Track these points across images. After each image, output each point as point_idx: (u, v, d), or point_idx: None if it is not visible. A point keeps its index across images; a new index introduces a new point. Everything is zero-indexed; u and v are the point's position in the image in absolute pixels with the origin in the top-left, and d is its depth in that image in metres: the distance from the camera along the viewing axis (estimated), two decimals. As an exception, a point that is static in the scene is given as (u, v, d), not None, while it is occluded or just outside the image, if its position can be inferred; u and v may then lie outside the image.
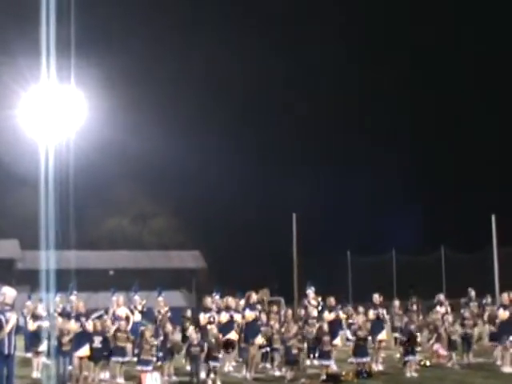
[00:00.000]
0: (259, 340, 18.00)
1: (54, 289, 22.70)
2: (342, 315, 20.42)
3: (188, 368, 17.50)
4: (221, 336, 17.30)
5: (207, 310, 18.87)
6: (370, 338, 18.23)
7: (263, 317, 18.93)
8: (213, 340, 16.81)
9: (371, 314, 19.46)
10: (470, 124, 63.51)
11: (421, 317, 21.95)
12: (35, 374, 18.03)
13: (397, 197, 65.29)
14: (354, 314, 20.86)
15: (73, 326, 15.90)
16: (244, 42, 64.93)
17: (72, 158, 34.60)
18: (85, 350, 15.63)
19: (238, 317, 18.49)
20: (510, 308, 18.54)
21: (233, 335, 18.43)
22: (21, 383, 16.16)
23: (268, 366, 18.94)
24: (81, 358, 15.59)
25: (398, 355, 19.48)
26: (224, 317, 18.52)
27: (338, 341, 19.57)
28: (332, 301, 20.06)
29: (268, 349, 18.64)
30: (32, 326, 18.39)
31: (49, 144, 30.11)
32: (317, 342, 17.97)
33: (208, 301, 19.18)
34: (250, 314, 18.12)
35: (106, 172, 61.74)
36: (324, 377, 16.69)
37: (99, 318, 17.58)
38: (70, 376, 16.15)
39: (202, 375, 17.10)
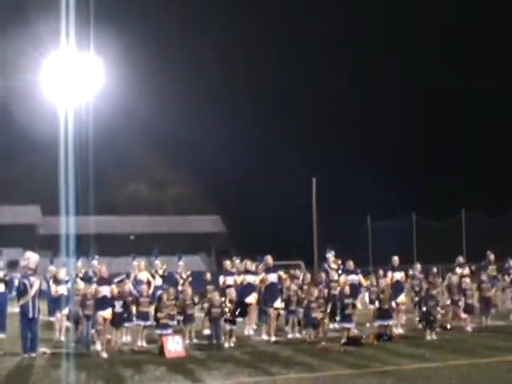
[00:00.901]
0: (278, 303, 18.06)
1: (75, 254, 22.88)
2: (362, 279, 20.40)
3: (206, 332, 17.64)
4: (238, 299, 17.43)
5: (227, 273, 19.01)
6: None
7: (282, 280, 18.96)
8: (229, 304, 16.96)
9: (390, 276, 19.48)
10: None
11: (440, 279, 21.86)
12: (58, 337, 18.27)
13: (417, 161, 65.09)
14: (373, 277, 20.81)
15: (95, 290, 16.00)
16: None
17: (91, 124, 34.74)
18: (107, 313, 15.76)
19: (257, 280, 18.59)
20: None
21: (252, 299, 18.56)
22: (44, 346, 16.36)
23: (287, 329, 19.03)
24: (103, 321, 15.72)
25: (418, 318, 19.50)
26: (243, 280, 18.65)
27: (357, 303, 19.61)
28: (351, 264, 20.07)
29: (285, 312, 18.67)
30: (54, 290, 18.53)
31: (68, 109, 30.16)
32: (338, 305, 18.06)
33: (227, 264, 19.31)
34: (269, 277, 18.15)
35: (125, 138, 61.93)
36: (345, 340, 16.74)
37: (121, 282, 17.72)
38: (92, 339, 16.34)
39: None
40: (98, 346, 15.70)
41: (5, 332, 19.55)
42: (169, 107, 60.59)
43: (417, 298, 20.06)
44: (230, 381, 12.01)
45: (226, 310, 16.84)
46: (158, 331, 16.08)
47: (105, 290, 15.95)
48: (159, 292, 17.81)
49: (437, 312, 17.99)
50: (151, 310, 17.18)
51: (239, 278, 18.90)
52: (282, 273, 19.39)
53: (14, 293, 16.97)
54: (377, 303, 18.17)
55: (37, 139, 52.63)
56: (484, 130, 64.87)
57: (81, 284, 18.14)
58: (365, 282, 20.41)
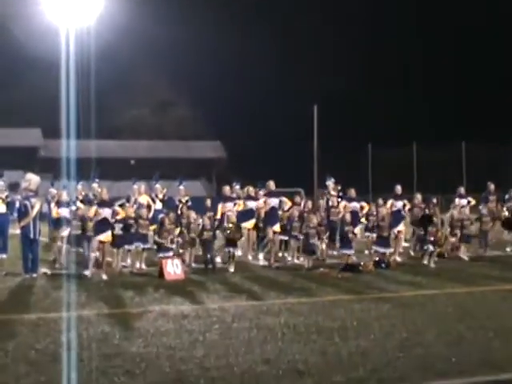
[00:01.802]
0: (277, 227, 18.15)
1: (76, 177, 22.91)
2: (363, 205, 20.47)
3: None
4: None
5: (226, 198, 19.05)
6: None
7: (283, 205, 19.01)
8: (230, 225, 17.13)
9: (390, 204, 19.54)
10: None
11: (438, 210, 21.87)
12: (58, 259, 18.45)
13: (419, 88, 64.48)
14: (372, 205, 20.87)
15: (95, 212, 16.05)
16: None
17: (93, 45, 34.29)
18: (106, 236, 15.86)
19: (257, 206, 18.67)
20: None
21: (250, 224, 18.68)
22: (45, 267, 16.54)
23: (286, 255, 19.21)
24: (103, 244, 15.83)
25: (417, 247, 19.67)
26: (244, 205, 18.73)
27: (357, 231, 19.73)
28: (352, 192, 20.11)
29: (286, 238, 18.80)
30: (56, 212, 18.63)
31: (70, 29, 29.75)
32: (338, 232, 18.21)
33: (226, 189, 19.32)
34: (269, 202, 18.20)
35: (126, 61, 61.25)
36: (343, 266, 16.89)
37: (121, 206, 17.80)
38: (92, 261, 16.49)
39: (217, 260, 17.49)
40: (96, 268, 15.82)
41: (6, 253, 19.76)
42: (170, 29, 59.75)
43: (415, 227, 20.09)
44: (229, 304, 12.16)
45: (228, 231, 17.00)
46: (160, 254, 16.23)
47: (105, 212, 15.99)
48: (160, 216, 17.91)
49: (436, 237, 18.12)
50: (150, 232, 17.30)
51: (239, 204, 18.98)
52: (285, 198, 19.44)
53: (16, 214, 17.07)
54: (375, 231, 18.29)
55: (38, 61, 52.12)
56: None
57: (81, 206, 18.23)
58: (365, 208, 20.47)
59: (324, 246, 18.86)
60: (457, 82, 63.17)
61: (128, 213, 17.12)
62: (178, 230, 17.14)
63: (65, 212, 18.24)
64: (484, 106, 60.03)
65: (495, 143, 46.30)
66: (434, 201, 21.19)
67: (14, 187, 27.47)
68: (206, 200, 20.23)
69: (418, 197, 20.75)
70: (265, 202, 18.49)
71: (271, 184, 18.56)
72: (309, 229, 17.57)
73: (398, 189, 19.99)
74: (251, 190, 19.22)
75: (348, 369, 7.88)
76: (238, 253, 18.32)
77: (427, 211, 19.39)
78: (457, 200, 21.29)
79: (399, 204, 19.75)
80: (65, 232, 18.01)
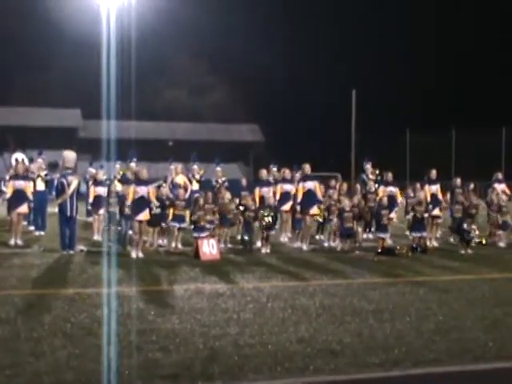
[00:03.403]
0: (315, 210, 18.07)
1: (115, 157, 23.10)
2: (399, 193, 20.30)
3: (243, 237, 17.84)
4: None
5: (262, 183, 18.96)
6: (426, 214, 18.18)
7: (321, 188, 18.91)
8: (267, 213, 17.08)
9: (427, 188, 19.35)
10: None
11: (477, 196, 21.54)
12: (96, 237, 18.63)
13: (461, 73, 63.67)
14: (410, 189, 20.69)
15: (133, 190, 16.12)
16: None
17: (133, 26, 34.43)
18: (144, 215, 15.93)
19: (293, 189, 18.60)
20: None
21: (288, 206, 18.64)
22: (82, 245, 16.69)
23: (322, 237, 19.16)
24: (140, 222, 15.92)
25: (453, 233, 19.46)
26: (281, 188, 18.68)
27: (393, 215, 19.57)
28: (390, 176, 19.96)
29: (322, 221, 18.72)
30: (93, 190, 18.81)
31: (110, 8, 29.91)
32: (375, 216, 18.09)
33: (263, 173, 19.22)
34: (306, 185, 18.14)
35: (166, 42, 61.40)
36: (379, 250, 16.81)
37: (158, 187, 17.86)
38: (130, 240, 16.61)
39: (258, 244, 17.48)
40: (135, 247, 15.89)
41: (44, 230, 20.08)
42: (210, 11, 59.75)
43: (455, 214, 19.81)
44: (264, 284, 12.15)
45: (265, 218, 16.92)
46: (195, 234, 16.26)
47: (142, 191, 16.06)
48: (196, 195, 17.98)
49: (472, 229, 17.85)
50: (187, 213, 17.34)
51: (276, 187, 18.92)
52: (317, 183, 19.36)
53: (54, 193, 17.28)
54: (411, 215, 18.09)
55: (78, 41, 52.47)
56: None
57: (118, 186, 18.36)
58: (400, 197, 20.33)
59: (360, 230, 18.74)
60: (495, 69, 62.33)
61: (164, 193, 17.20)
62: (214, 211, 17.12)
63: (101, 191, 18.41)
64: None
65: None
66: (471, 186, 20.95)
67: (53, 167, 27.80)
68: (242, 180, 20.20)
69: (458, 181, 20.49)
70: (299, 188, 18.41)
71: (307, 167, 18.49)
72: (344, 212, 17.48)
73: (433, 173, 19.74)
74: (287, 172, 19.17)
75: (383, 350, 7.81)
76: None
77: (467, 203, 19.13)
78: (495, 185, 20.94)
79: (434, 188, 19.55)
80: (102, 211, 18.20)
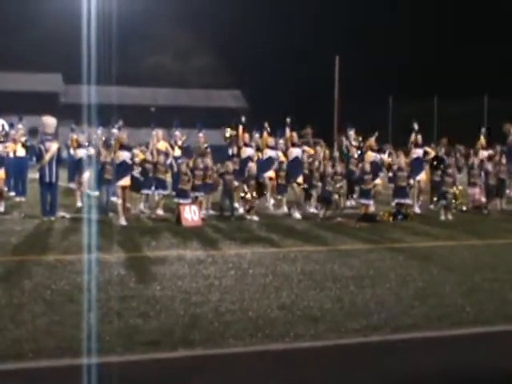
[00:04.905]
0: (301, 179, 18.06)
1: (96, 123, 22.93)
2: (383, 156, 20.27)
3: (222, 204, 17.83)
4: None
5: (245, 145, 18.93)
6: (411, 181, 18.24)
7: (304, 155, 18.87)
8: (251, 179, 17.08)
9: (412, 153, 19.37)
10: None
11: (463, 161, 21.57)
12: (78, 203, 18.55)
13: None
14: (393, 155, 20.70)
15: (115, 155, 16.04)
16: None
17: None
18: (126, 180, 15.87)
19: (278, 154, 18.59)
20: None
21: (271, 173, 18.62)
22: (63, 211, 16.62)
23: (306, 204, 19.17)
24: (123, 188, 15.86)
25: (435, 198, 19.50)
26: (265, 153, 18.67)
27: (378, 181, 19.56)
28: (373, 142, 19.90)
29: (306, 186, 18.71)
30: (75, 154, 18.75)
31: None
32: (358, 182, 18.07)
33: (245, 137, 19.15)
34: (293, 151, 18.08)
35: (149, 7, 60.72)
36: (360, 216, 16.82)
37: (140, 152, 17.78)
38: (112, 205, 16.57)
39: (241, 211, 17.47)
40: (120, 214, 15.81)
41: (25, 195, 19.97)
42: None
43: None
44: (245, 250, 12.18)
45: (248, 196, 16.93)
46: (177, 199, 16.21)
47: (124, 156, 15.96)
48: (179, 161, 17.93)
49: (452, 189, 17.98)
50: (168, 178, 17.28)
51: (260, 153, 18.90)
52: (306, 147, 19.33)
53: (35, 159, 17.18)
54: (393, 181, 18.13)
55: (59, 5, 51.81)
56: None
57: (101, 150, 18.24)
58: (387, 161, 20.30)
59: (340, 196, 18.75)
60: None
61: (146, 157, 17.14)
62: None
63: (82, 153, 18.33)
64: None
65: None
66: (461, 148, 21.00)
67: (34, 132, 27.57)
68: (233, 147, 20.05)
69: (444, 141, 20.59)
70: (285, 155, 18.40)
71: (294, 135, 18.45)
72: (325, 177, 17.44)
73: (419, 138, 19.69)
74: (270, 140, 19.12)
75: (363, 316, 7.86)
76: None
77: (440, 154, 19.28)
78: (480, 152, 20.96)
79: (419, 152, 19.54)
80: (84, 176, 18.09)
